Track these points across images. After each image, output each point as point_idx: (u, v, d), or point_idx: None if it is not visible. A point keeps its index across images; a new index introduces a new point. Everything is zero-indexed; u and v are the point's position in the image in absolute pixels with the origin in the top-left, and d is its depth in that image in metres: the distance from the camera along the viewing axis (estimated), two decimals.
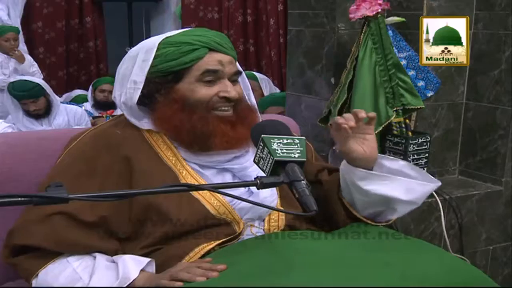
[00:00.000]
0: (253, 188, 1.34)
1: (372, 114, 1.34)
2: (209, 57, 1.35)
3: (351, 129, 1.31)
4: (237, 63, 1.43)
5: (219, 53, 1.36)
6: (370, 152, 1.35)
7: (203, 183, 1.35)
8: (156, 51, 1.35)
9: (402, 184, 1.33)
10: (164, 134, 1.38)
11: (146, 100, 1.37)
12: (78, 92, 5.48)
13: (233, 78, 1.39)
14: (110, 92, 4.56)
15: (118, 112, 4.26)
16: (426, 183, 1.35)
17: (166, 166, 1.35)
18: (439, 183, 1.37)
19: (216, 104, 1.36)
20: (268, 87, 4.47)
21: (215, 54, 1.36)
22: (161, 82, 1.36)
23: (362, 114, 1.32)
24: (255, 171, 1.34)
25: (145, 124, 1.39)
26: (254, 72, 4.62)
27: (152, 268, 1.25)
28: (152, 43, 1.37)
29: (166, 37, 1.37)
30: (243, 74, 1.45)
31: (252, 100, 1.49)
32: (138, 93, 1.35)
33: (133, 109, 1.38)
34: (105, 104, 4.63)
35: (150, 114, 1.39)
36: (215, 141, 1.34)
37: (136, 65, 1.37)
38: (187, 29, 1.42)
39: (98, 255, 1.28)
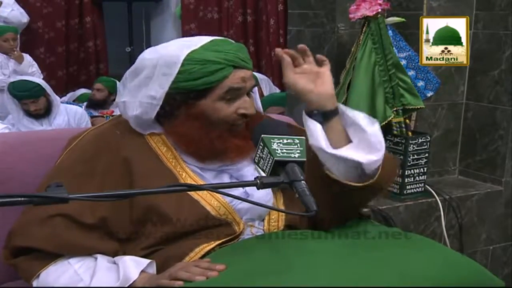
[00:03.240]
0: (249, 189, 1.35)
1: (323, 57, 1.33)
2: (233, 75, 1.31)
3: (298, 66, 1.30)
4: None
5: (242, 69, 1.33)
6: (322, 89, 1.30)
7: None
8: (180, 67, 1.30)
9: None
10: (178, 147, 1.36)
11: (163, 113, 1.34)
12: (83, 90, 5.49)
13: (250, 91, 1.38)
14: (97, 90, 4.75)
15: (118, 111, 4.25)
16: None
17: (166, 167, 1.35)
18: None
19: (234, 121, 1.34)
20: (268, 87, 4.46)
21: (239, 71, 1.32)
22: (182, 99, 1.32)
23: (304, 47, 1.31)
24: (249, 171, 1.37)
25: (148, 132, 1.38)
26: (254, 73, 4.61)
27: (152, 269, 1.25)
28: (175, 56, 1.30)
29: (191, 52, 1.31)
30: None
31: (258, 103, 1.48)
32: (157, 109, 1.32)
33: (147, 122, 1.35)
34: (97, 103, 4.69)
35: (159, 124, 1.37)
36: (231, 155, 1.35)
37: (154, 77, 1.31)
38: (209, 40, 1.35)
39: (99, 256, 1.28)
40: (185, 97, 1.32)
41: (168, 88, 1.30)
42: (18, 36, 4.85)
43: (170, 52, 1.33)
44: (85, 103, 4.84)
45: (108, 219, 1.29)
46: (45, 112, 3.92)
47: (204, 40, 1.35)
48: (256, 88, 1.47)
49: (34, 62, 4.82)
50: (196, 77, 1.29)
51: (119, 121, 1.43)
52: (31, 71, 4.66)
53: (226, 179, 1.39)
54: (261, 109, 1.49)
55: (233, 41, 1.38)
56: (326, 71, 1.32)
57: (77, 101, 5.18)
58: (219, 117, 1.33)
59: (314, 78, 1.31)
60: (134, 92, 1.35)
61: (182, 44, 1.34)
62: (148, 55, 1.36)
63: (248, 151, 1.36)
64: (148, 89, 1.32)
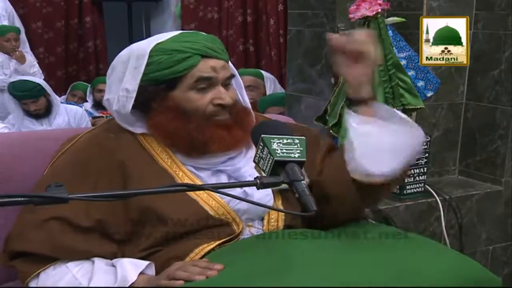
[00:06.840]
0: (249, 189, 1.35)
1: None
2: (202, 64, 1.32)
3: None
4: (230, 64, 1.40)
5: (212, 59, 1.33)
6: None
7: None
8: (148, 58, 1.31)
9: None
10: (160, 141, 1.37)
11: (140, 106, 1.35)
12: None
13: (226, 82, 1.37)
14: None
15: None
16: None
17: (162, 168, 1.34)
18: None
19: (213, 113, 1.34)
20: (272, 86, 4.41)
21: (208, 60, 1.33)
22: (155, 90, 1.33)
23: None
24: (248, 172, 1.36)
25: (138, 128, 1.38)
26: (261, 71, 4.57)
27: (151, 271, 1.25)
28: (143, 49, 1.33)
29: (158, 43, 1.33)
30: (237, 75, 1.44)
31: (245, 98, 1.47)
32: (132, 102, 1.33)
33: (127, 116, 1.36)
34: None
35: (144, 120, 1.38)
36: (213, 147, 1.34)
37: (127, 72, 1.34)
38: (178, 33, 1.38)
39: (96, 259, 1.27)
40: (157, 89, 1.33)
41: (140, 80, 1.32)
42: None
43: (139, 46, 1.37)
44: (85, 103, 4.82)
45: (104, 221, 1.28)
46: (45, 112, 3.93)
47: (174, 33, 1.38)
48: (240, 81, 1.46)
49: (35, 62, 4.82)
50: (164, 67, 1.31)
51: (112, 124, 1.42)
52: (32, 71, 4.66)
53: (224, 179, 1.38)
54: (249, 104, 1.47)
55: (204, 33, 1.39)
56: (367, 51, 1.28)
57: (75, 88, 5.15)
58: (194, 107, 1.33)
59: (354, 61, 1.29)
60: (113, 87, 1.37)
61: (154, 38, 1.37)
62: (123, 52, 1.39)
63: (234, 144, 1.35)
64: (123, 83, 1.34)
